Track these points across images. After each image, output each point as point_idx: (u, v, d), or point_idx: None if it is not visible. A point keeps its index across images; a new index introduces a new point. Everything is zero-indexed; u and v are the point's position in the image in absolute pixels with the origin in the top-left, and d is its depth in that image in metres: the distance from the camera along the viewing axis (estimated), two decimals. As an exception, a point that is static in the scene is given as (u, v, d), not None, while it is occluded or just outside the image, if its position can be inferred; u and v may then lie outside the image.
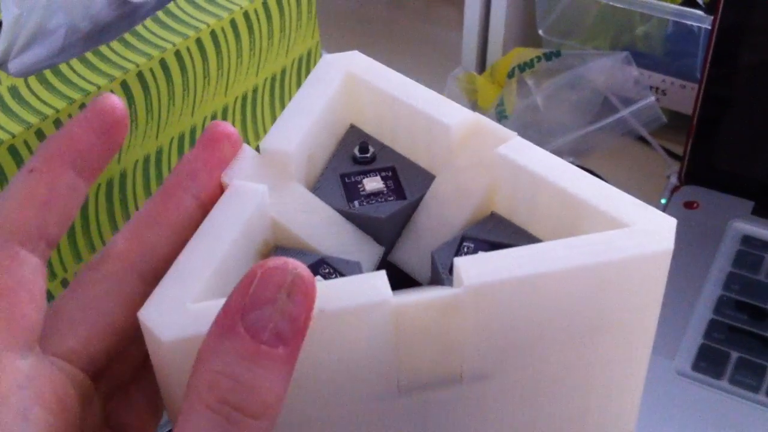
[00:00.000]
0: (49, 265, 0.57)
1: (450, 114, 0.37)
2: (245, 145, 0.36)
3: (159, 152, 0.62)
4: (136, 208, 0.62)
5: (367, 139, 0.39)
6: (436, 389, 0.32)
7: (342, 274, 0.34)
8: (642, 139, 0.84)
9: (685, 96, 0.85)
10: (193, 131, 0.64)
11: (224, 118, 0.66)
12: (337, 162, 0.38)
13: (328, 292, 0.29)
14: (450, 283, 0.32)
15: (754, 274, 0.70)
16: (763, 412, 0.61)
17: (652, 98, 0.81)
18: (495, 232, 0.35)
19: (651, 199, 0.79)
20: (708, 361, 0.64)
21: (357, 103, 0.39)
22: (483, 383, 0.32)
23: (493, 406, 0.33)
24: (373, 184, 0.37)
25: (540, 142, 0.81)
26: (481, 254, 0.31)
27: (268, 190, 0.34)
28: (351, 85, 0.39)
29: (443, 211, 0.37)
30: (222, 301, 0.28)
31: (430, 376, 0.31)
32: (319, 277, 0.33)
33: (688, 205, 0.79)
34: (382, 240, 0.37)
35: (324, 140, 0.38)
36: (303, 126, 0.37)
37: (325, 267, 0.34)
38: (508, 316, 0.31)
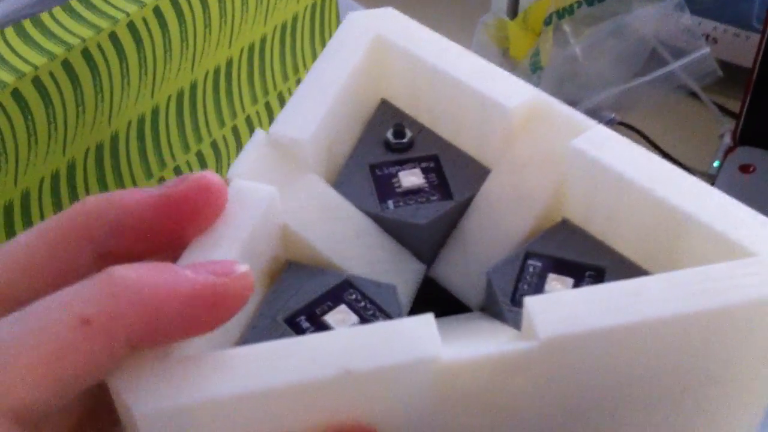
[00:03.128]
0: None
1: (509, 92, 0.29)
2: (257, 130, 0.28)
3: (155, 112, 0.56)
4: (131, 175, 0.57)
5: (402, 119, 0.32)
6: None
7: (372, 301, 0.26)
8: (692, 95, 0.77)
9: (739, 46, 0.78)
10: (193, 88, 0.57)
11: (228, 72, 0.59)
12: (366, 148, 0.31)
13: (358, 344, 0.22)
14: (513, 319, 0.25)
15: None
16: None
17: (707, 49, 0.73)
18: (567, 247, 0.28)
19: (702, 162, 0.72)
20: None
21: (389, 73, 0.32)
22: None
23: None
24: (411, 178, 0.30)
25: (578, 97, 0.71)
26: (559, 294, 0.23)
27: (278, 190, 0.27)
28: (381, 50, 0.31)
29: (500, 215, 0.29)
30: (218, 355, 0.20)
31: None
32: (344, 310, 0.26)
33: (744, 168, 0.71)
34: (422, 251, 0.29)
35: (349, 121, 0.31)
36: (322, 104, 0.29)
37: (351, 291, 0.27)
38: (589, 375, 0.23)
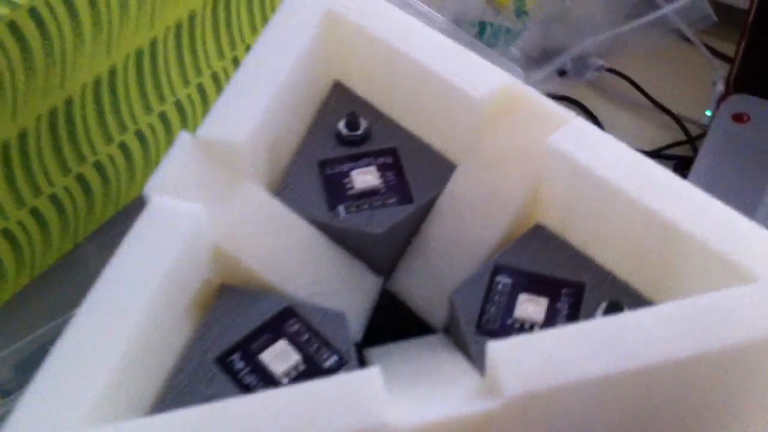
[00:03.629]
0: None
1: (478, 79, 0.25)
2: (182, 133, 0.24)
3: (112, 73, 0.52)
4: (88, 143, 0.53)
5: (357, 105, 0.28)
6: None
7: (317, 333, 0.23)
8: (684, 39, 0.73)
9: None
10: (153, 45, 0.53)
11: (191, 26, 0.56)
12: (316, 142, 0.27)
13: (289, 413, 0.18)
14: (478, 351, 0.22)
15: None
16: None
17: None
18: (541, 259, 0.24)
19: (694, 111, 0.68)
20: None
21: (342, 54, 0.28)
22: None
23: None
24: (365, 178, 0.26)
25: (565, 43, 0.67)
26: (528, 338, 0.19)
27: (208, 204, 0.23)
28: (333, 27, 0.27)
29: (467, 220, 0.25)
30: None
31: None
32: (283, 347, 0.22)
33: (738, 118, 0.67)
34: (378, 263, 0.26)
35: (296, 110, 0.27)
36: (263, 95, 0.25)
37: (293, 322, 0.23)
38: (563, 428, 0.20)
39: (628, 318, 0.20)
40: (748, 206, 0.61)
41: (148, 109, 0.57)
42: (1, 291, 0.53)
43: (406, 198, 0.26)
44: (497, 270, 0.24)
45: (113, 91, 0.53)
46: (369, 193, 0.26)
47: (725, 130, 0.66)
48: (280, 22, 0.27)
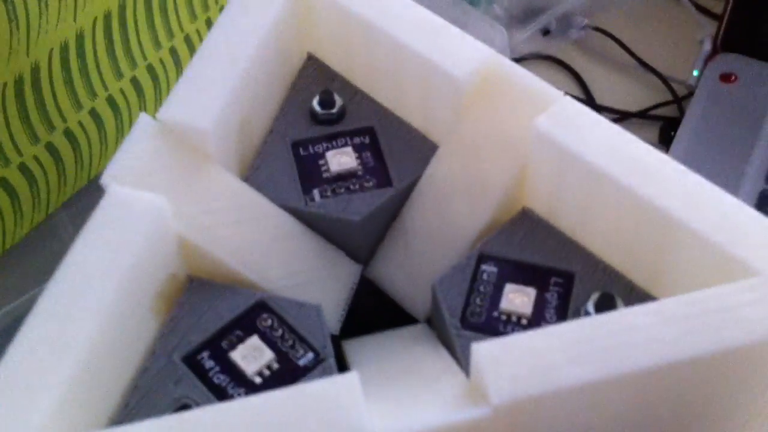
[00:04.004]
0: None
1: (460, 56, 0.23)
2: (142, 115, 0.23)
3: (80, 37, 0.50)
4: (57, 111, 0.52)
5: (332, 80, 0.26)
6: None
7: (291, 329, 0.22)
8: (671, -5, 0.72)
9: None
10: (122, 7, 0.52)
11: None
12: (289, 120, 0.25)
13: (265, 420, 0.17)
14: (463, 347, 0.20)
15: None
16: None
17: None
18: (529, 246, 0.23)
19: (681, 71, 0.67)
20: None
21: (315, 26, 0.26)
22: None
23: None
24: (341, 159, 0.25)
25: (548, 1, 0.65)
26: (517, 338, 0.18)
27: (172, 192, 0.21)
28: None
29: (449, 204, 0.24)
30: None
31: None
32: (255, 344, 0.21)
33: (725, 78, 0.66)
34: (356, 250, 0.24)
35: (267, 86, 0.25)
36: (231, 72, 0.24)
37: (266, 316, 0.22)
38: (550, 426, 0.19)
39: (622, 317, 0.19)
40: (736, 167, 0.60)
41: (118, 74, 0.55)
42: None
43: (384, 181, 0.24)
44: (482, 258, 0.23)
45: (82, 55, 0.52)
46: (345, 176, 0.24)
47: (712, 90, 0.65)
48: None
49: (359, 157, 0.25)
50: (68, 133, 0.53)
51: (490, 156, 0.24)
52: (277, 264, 0.23)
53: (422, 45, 0.24)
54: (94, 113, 0.54)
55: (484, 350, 0.18)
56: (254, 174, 0.24)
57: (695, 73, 0.67)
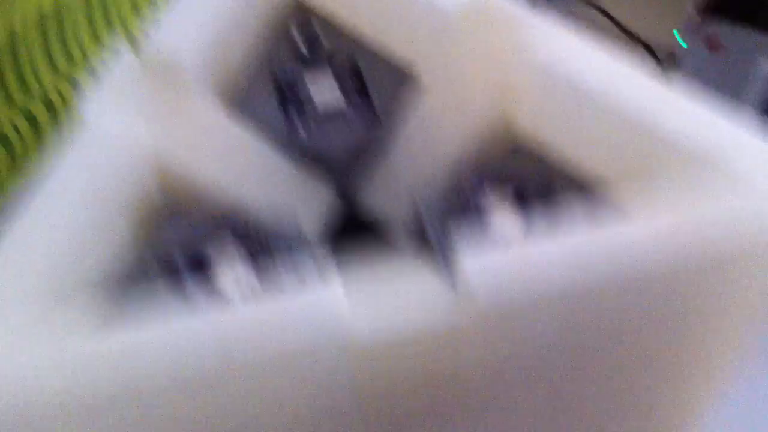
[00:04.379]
0: None
1: None
2: (120, 49, 0.22)
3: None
4: (38, 83, 0.51)
5: (316, 21, 0.26)
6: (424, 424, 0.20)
7: (269, 248, 0.21)
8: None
9: None
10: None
11: None
12: (273, 52, 0.25)
13: (251, 324, 0.17)
14: (444, 261, 0.20)
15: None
16: None
17: None
18: (515, 166, 0.22)
19: (664, 39, 0.66)
20: None
21: None
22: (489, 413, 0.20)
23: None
24: (325, 94, 0.24)
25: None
26: (504, 248, 0.18)
27: (153, 122, 0.21)
28: None
29: (434, 133, 0.24)
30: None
31: (415, 411, 0.19)
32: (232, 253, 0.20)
33: (711, 45, 0.66)
34: (340, 185, 0.24)
35: (248, 25, 0.25)
36: (211, 6, 0.23)
37: (242, 235, 0.21)
38: (536, 341, 0.19)
39: (608, 229, 0.18)
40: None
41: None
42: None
43: (370, 116, 0.24)
44: (465, 174, 0.22)
45: (60, 24, 0.51)
46: (331, 112, 0.24)
47: (698, 58, 0.65)
48: None
49: (344, 92, 0.24)
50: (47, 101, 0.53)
51: (475, 84, 0.23)
52: (257, 196, 0.22)
53: None
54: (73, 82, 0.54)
55: (471, 258, 0.17)
56: (237, 106, 0.24)
57: (683, 44, 0.67)
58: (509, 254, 0.18)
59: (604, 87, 0.21)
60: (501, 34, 0.23)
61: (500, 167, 0.23)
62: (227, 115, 0.23)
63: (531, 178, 0.22)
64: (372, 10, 0.25)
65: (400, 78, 0.24)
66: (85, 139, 0.20)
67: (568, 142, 0.22)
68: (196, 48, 0.22)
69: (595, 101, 0.21)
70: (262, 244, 0.21)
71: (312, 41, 0.25)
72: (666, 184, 0.21)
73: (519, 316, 0.18)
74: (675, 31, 0.66)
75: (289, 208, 0.23)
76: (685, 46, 0.66)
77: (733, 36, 0.66)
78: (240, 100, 0.24)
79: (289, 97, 0.24)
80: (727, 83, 0.63)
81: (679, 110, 0.21)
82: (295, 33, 0.25)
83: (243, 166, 0.22)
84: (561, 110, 0.22)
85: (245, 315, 0.17)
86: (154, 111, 0.21)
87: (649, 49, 0.66)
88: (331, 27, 0.25)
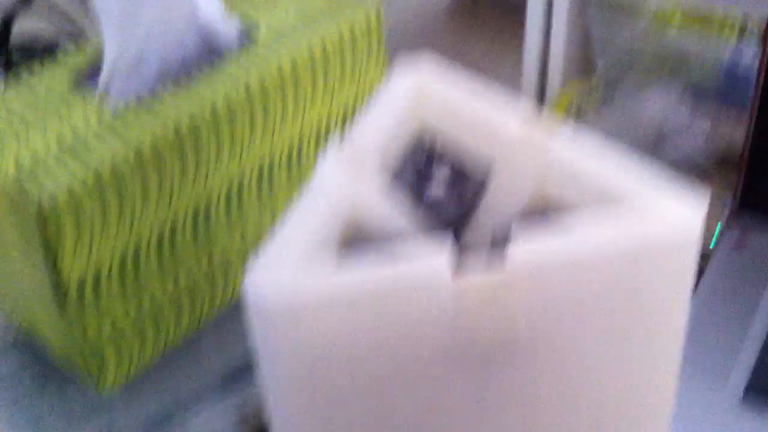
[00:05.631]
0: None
1: (509, 113, 0.41)
2: (336, 137, 0.41)
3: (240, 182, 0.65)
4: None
5: (436, 137, 0.44)
6: (492, 359, 0.36)
7: None
8: (697, 168, 0.87)
9: (739, 127, 0.87)
10: (270, 163, 0.68)
11: (299, 149, 0.70)
12: (410, 156, 0.43)
13: (401, 271, 0.34)
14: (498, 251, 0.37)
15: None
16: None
17: (703, 127, 0.83)
18: (546, 217, 0.39)
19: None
20: (761, 391, 0.64)
21: (428, 105, 0.44)
22: (533, 354, 0.36)
23: (542, 378, 0.37)
24: (442, 174, 0.42)
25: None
26: (526, 237, 0.35)
27: (351, 178, 0.39)
28: (423, 88, 0.44)
29: (502, 198, 0.41)
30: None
31: (487, 346, 0.35)
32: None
33: (740, 241, 0.77)
34: (448, 223, 0.41)
35: (398, 137, 0.42)
36: (380, 124, 0.41)
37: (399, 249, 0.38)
38: (552, 293, 0.35)
39: (585, 232, 0.35)
40: (747, 307, 0.71)
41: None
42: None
43: (467, 185, 0.42)
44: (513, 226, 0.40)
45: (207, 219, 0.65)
46: (444, 182, 0.42)
47: (729, 246, 0.77)
48: (389, 86, 0.43)
49: (450, 184, 0.42)
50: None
51: (526, 171, 0.41)
52: (407, 228, 0.40)
53: (491, 108, 0.42)
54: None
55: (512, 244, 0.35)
56: (394, 180, 0.41)
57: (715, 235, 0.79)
58: (536, 244, 0.35)
59: (597, 168, 0.39)
60: (543, 139, 0.40)
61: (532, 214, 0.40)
62: (389, 182, 0.41)
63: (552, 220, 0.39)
64: (467, 130, 0.43)
65: (484, 167, 0.42)
66: (318, 183, 0.38)
67: (574, 199, 0.40)
68: (374, 144, 0.41)
69: (590, 177, 0.39)
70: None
71: (435, 147, 0.43)
72: (600, 212, 0.37)
73: (539, 273, 0.34)
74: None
75: (419, 237, 0.40)
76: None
77: (761, 228, 0.77)
78: (395, 177, 0.42)
79: (421, 176, 0.42)
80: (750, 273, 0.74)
81: (638, 180, 0.38)
82: (425, 143, 0.43)
83: (396, 210, 0.40)
84: (571, 183, 0.39)
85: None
86: (353, 174, 0.40)
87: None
88: (445, 140, 0.44)
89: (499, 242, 0.38)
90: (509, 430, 0.37)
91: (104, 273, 0.56)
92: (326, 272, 0.34)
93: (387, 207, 0.39)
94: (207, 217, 0.63)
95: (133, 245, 0.58)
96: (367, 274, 0.34)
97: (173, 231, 0.61)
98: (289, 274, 0.34)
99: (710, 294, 0.70)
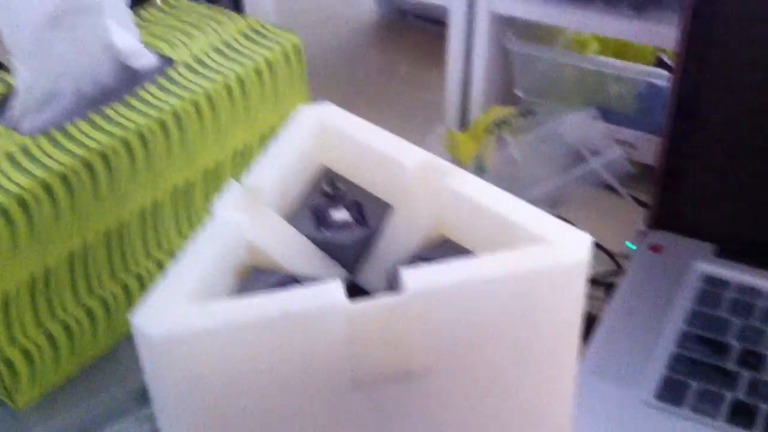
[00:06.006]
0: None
1: (406, 154, 0.43)
2: (232, 180, 0.42)
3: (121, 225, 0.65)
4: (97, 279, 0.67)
5: (336, 178, 0.45)
6: (388, 384, 0.37)
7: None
8: (614, 189, 0.90)
9: (653, 149, 0.90)
10: (192, 185, 0.69)
11: (220, 171, 0.72)
12: (310, 196, 0.44)
13: (292, 297, 0.35)
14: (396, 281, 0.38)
15: (715, 311, 0.74)
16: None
17: (619, 150, 0.86)
18: (443, 253, 0.41)
19: (620, 244, 0.83)
20: (671, 391, 0.67)
21: (328, 147, 0.45)
22: (430, 379, 0.37)
23: (440, 402, 0.38)
24: (339, 215, 0.43)
25: (519, 194, 0.87)
26: (422, 266, 0.36)
27: (248, 219, 0.40)
28: (323, 130, 0.45)
29: (400, 236, 0.42)
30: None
31: (382, 371, 0.37)
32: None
33: (655, 248, 0.82)
34: (346, 264, 0.42)
35: (298, 178, 0.44)
36: (279, 165, 0.43)
37: (295, 284, 0.39)
38: (447, 318, 0.36)
39: (480, 259, 0.37)
40: (663, 312, 0.75)
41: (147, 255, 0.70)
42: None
43: (364, 226, 0.43)
44: (415, 259, 0.41)
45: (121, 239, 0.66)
46: (342, 224, 0.43)
47: (644, 257, 0.81)
48: (290, 126, 0.45)
49: (351, 215, 0.43)
50: (103, 301, 0.67)
51: (423, 208, 0.42)
52: (302, 264, 0.41)
53: (389, 149, 0.43)
54: (125, 287, 0.69)
55: (406, 270, 0.36)
56: (291, 219, 0.43)
57: (633, 247, 0.83)
58: (426, 269, 0.36)
59: (488, 205, 0.40)
60: (438, 179, 0.42)
61: (435, 252, 0.41)
62: (286, 223, 0.42)
63: (450, 255, 0.41)
64: (365, 171, 0.44)
65: (381, 206, 0.44)
66: (213, 225, 0.39)
67: (470, 236, 0.41)
68: (273, 185, 0.42)
69: (483, 214, 0.40)
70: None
71: (334, 187, 0.44)
72: (508, 248, 0.39)
73: (432, 298, 0.36)
74: (631, 246, 0.83)
75: (316, 276, 0.41)
76: (635, 248, 0.82)
77: (673, 242, 0.82)
78: (292, 216, 0.43)
79: (319, 217, 0.43)
80: (665, 278, 0.78)
81: (528, 215, 0.39)
82: (324, 183, 0.44)
83: (294, 250, 0.41)
84: (466, 220, 0.41)
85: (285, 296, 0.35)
86: (250, 215, 0.41)
87: (610, 254, 0.82)
88: (345, 180, 0.45)
89: (394, 277, 0.39)
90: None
91: (12, 296, 0.57)
92: (214, 303, 0.34)
93: (283, 245, 0.41)
94: (120, 239, 0.64)
95: (42, 268, 0.58)
96: (257, 301, 0.34)
97: (85, 252, 0.62)
98: (175, 305, 0.35)
99: (625, 302, 0.75)
